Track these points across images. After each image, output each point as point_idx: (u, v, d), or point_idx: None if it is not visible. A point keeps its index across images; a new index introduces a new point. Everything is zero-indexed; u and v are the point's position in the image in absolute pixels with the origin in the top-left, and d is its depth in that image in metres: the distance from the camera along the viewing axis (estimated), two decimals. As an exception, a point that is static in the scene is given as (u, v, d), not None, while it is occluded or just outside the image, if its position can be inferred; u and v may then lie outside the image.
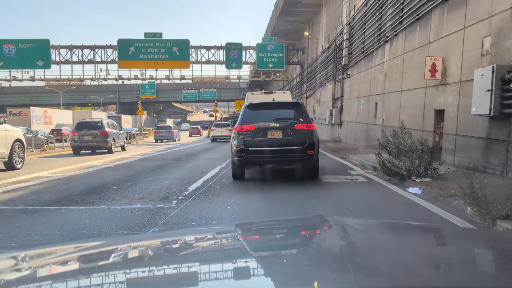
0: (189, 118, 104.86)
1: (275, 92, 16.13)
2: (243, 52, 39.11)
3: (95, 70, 39.14)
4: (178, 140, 36.80)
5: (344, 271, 1.12)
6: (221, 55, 38.97)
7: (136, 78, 39.67)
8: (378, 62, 16.61)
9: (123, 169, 11.98)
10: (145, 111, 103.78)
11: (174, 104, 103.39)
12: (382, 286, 0.97)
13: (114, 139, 19.61)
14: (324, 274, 1.08)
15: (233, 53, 38.66)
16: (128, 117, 68.26)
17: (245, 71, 56.65)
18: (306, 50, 38.17)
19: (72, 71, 38.38)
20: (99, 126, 19.09)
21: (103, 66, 38.70)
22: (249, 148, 8.13)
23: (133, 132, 41.10)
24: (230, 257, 1.40)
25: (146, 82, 78.33)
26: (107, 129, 19.06)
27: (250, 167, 8.91)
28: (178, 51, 38.31)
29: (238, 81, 63.36)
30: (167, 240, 1.76)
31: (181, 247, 1.58)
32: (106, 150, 19.27)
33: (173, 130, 35.57)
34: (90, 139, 18.76)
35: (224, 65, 38.72)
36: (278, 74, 55.50)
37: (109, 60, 38.66)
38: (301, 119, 8.51)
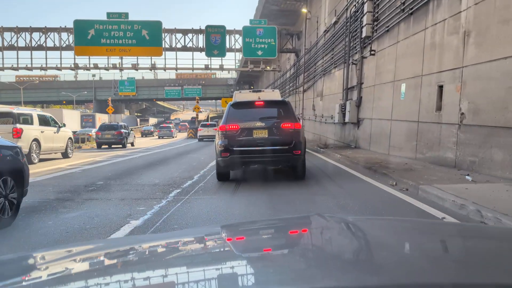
0: (173, 117, 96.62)
1: (263, 91, 15.57)
2: (227, 37, 31.85)
3: (46, 58, 31.40)
4: (175, 136, 46.01)
5: (346, 269, 1.07)
6: (201, 41, 31.71)
7: (96, 67, 31.93)
8: (443, 17, 9.50)
9: None
10: (127, 110, 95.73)
11: (159, 102, 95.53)
12: (384, 284, 0.92)
13: (126, 137, 25.22)
14: (325, 272, 1.03)
15: (214, 38, 31.38)
16: (104, 116, 60.34)
17: (230, 60, 49.47)
18: (302, 35, 31.05)
19: (17, 58, 30.61)
20: (116, 128, 24.80)
21: (57, 53, 31.06)
22: (234, 148, 7.68)
23: (151, 129, 56.96)
24: (222, 259, 1.27)
25: (125, 78, 71.28)
26: (121, 130, 24.80)
27: (235, 168, 8.43)
28: (148, 35, 30.91)
29: (222, 72, 56.58)
30: (152, 244, 1.56)
31: (168, 250, 1.44)
32: (121, 145, 24.70)
33: (172, 129, 47.01)
34: (109, 137, 24.41)
35: (204, 53, 31.41)
36: (268, 68, 48.22)
37: (64, 45, 31.07)
38: (287, 118, 8.03)
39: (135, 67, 31.00)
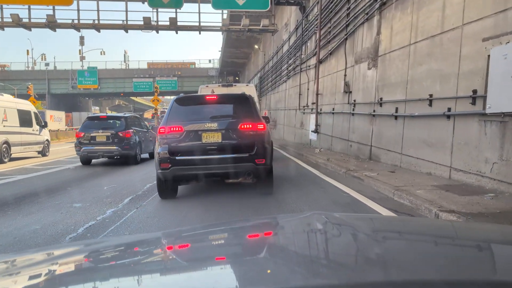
0: (146, 115, 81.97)
1: (235, 85, 11.66)
2: (186, -23, 17.96)
3: None
4: None
5: (338, 267, 1.03)
6: (141, -19, 17.77)
7: None
8: None
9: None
10: (96, 107, 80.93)
11: (133, 98, 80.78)
12: (376, 281, 0.90)
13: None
14: (317, 270, 0.99)
15: (163, -25, 17.43)
16: (59, 114, 45.69)
17: (191, 14, 35.96)
18: (312, -29, 17.25)
19: None
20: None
21: None
22: (176, 157, 5.85)
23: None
24: (162, 268, 1.14)
25: (86, 68, 56.95)
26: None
27: (180, 182, 6.33)
28: (48, -31, 16.90)
29: (201, 61, 42.40)
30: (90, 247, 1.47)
31: (100, 259, 1.29)
32: None
33: None
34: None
35: (146, 3, 17.49)
36: (254, 49, 34.25)
37: None
38: (247, 117, 6.09)
39: (18, 19, 16.80)
